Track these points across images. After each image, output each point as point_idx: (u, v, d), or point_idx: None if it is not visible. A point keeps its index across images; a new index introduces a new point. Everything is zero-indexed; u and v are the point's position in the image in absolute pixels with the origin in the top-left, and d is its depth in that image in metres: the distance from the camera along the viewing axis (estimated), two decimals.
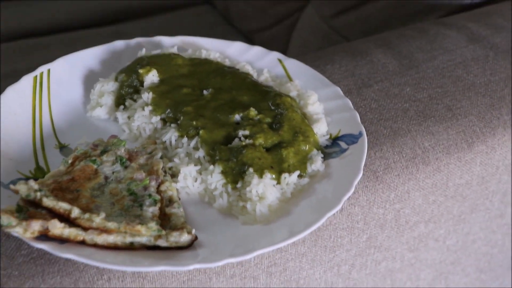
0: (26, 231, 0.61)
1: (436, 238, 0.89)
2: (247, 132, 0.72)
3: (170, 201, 0.68)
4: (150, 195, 0.66)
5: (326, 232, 0.76)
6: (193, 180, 0.70)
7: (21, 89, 0.79)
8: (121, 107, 0.79)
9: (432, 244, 0.89)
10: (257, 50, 0.88)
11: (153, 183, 0.68)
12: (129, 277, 0.65)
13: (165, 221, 0.66)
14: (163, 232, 0.63)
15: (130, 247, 0.63)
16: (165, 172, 0.71)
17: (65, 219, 0.63)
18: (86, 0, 1.54)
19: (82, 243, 0.62)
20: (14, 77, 1.27)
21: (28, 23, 1.45)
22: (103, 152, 0.71)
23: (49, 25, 1.45)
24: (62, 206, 0.63)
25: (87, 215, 0.62)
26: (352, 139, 0.76)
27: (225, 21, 1.51)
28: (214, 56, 0.84)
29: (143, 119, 0.76)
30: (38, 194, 0.63)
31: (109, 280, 0.64)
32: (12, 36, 1.40)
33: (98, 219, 0.62)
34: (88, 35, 1.45)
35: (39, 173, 0.72)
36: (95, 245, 0.62)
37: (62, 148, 0.75)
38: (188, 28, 1.49)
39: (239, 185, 0.69)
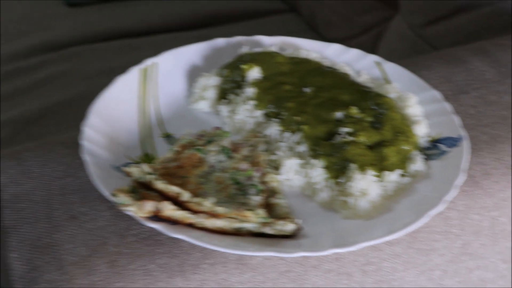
0: (140, 210, 0.63)
1: None
2: (349, 130, 0.73)
3: (273, 192, 0.70)
4: (254, 185, 0.68)
5: (422, 234, 0.76)
6: (295, 173, 0.72)
7: (129, 80, 0.83)
8: (224, 100, 0.81)
9: None
10: (354, 52, 0.90)
11: (257, 174, 0.70)
12: (232, 263, 0.67)
13: (269, 211, 0.68)
14: (270, 220, 0.64)
15: (236, 233, 0.65)
16: (267, 164, 0.73)
17: (174, 202, 0.65)
18: (175, 5, 1.59)
19: (190, 225, 0.64)
20: (109, 74, 1.33)
21: (122, 25, 1.51)
22: (208, 142, 0.74)
23: (141, 28, 1.50)
24: (173, 189, 0.65)
25: (197, 199, 0.64)
26: (453, 142, 0.76)
27: (311, 29, 1.53)
28: (313, 56, 0.86)
29: (246, 113, 0.78)
30: (150, 177, 0.66)
31: (213, 264, 0.66)
32: (107, 36, 1.46)
33: (207, 204, 0.64)
34: (176, 38, 1.49)
35: (146, 159, 0.75)
36: (203, 229, 0.64)
37: (167, 137, 0.78)
38: (274, 35, 1.51)
39: (341, 180, 0.71)
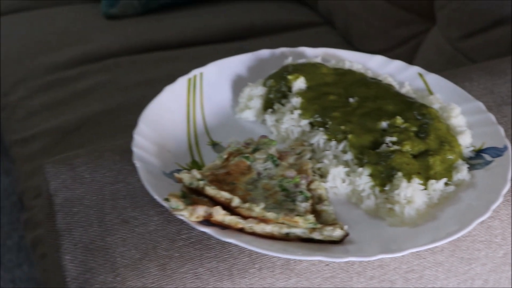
0: (192, 215, 0.65)
1: None
2: (394, 139, 0.75)
3: (320, 199, 0.71)
4: (301, 192, 0.70)
5: (464, 243, 0.77)
6: (341, 181, 0.73)
7: (177, 89, 0.85)
8: (269, 110, 0.83)
9: None
10: (397, 63, 0.91)
11: (304, 181, 0.72)
12: (278, 268, 0.68)
13: (315, 217, 0.69)
14: (318, 226, 0.66)
15: (285, 238, 0.66)
16: (313, 172, 0.74)
17: (223, 207, 0.67)
18: (212, 18, 1.62)
19: (240, 230, 0.66)
20: (146, 85, 1.36)
21: (159, 37, 1.54)
22: (255, 150, 0.75)
23: (178, 40, 1.53)
24: (224, 195, 0.67)
25: (247, 205, 0.66)
26: (497, 152, 0.76)
27: (345, 42, 1.55)
28: (357, 67, 0.88)
29: (292, 122, 0.80)
30: (201, 183, 0.68)
31: (260, 269, 0.68)
32: (145, 48, 1.50)
33: (257, 209, 0.66)
34: (213, 50, 1.52)
35: (195, 166, 0.76)
36: (253, 233, 0.66)
37: (214, 145, 0.80)
38: (310, 47, 1.53)
39: (387, 188, 0.72)
